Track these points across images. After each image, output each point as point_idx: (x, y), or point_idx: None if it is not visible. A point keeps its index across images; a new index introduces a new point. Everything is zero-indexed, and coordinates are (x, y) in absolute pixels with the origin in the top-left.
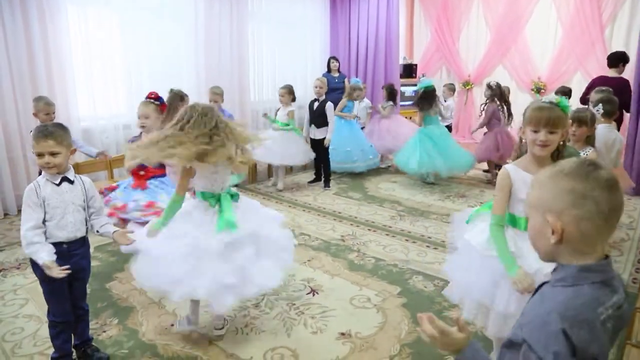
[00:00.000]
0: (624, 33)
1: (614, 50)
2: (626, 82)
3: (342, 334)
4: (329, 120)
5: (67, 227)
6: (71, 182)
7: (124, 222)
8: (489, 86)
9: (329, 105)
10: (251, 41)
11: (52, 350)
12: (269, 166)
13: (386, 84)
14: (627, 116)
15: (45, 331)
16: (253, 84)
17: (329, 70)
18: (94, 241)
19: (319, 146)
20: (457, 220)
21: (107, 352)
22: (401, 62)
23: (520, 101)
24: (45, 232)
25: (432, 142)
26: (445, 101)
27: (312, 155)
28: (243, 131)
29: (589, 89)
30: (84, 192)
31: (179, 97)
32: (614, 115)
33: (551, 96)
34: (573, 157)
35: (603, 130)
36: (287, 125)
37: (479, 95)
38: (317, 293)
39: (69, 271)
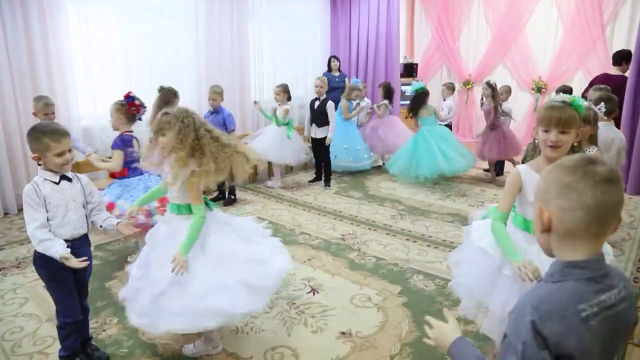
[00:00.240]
0: (625, 32)
1: (614, 49)
2: (627, 80)
3: (343, 333)
4: (330, 119)
5: (70, 225)
6: (69, 179)
7: None
8: (489, 85)
9: (330, 104)
10: (252, 40)
11: (51, 349)
12: (269, 165)
13: (382, 83)
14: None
15: (45, 330)
16: (253, 83)
17: (330, 69)
18: (93, 240)
19: (319, 145)
20: (471, 225)
21: (106, 351)
22: (402, 61)
23: (521, 101)
24: (49, 231)
25: (430, 143)
26: (444, 100)
27: (304, 155)
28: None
29: (591, 86)
30: (82, 189)
31: (172, 93)
32: (614, 114)
33: (564, 95)
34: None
35: (601, 129)
36: (287, 124)
37: (480, 94)
38: (318, 292)
39: (87, 262)
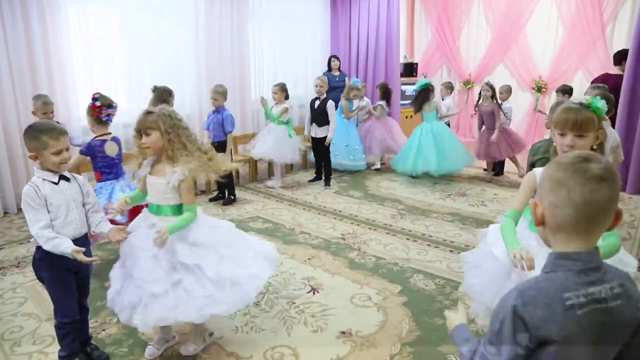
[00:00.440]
0: (625, 32)
1: (615, 48)
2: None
3: (343, 332)
4: (330, 118)
5: (72, 224)
6: (68, 179)
7: None
8: (490, 86)
9: (330, 103)
10: (252, 40)
11: (51, 348)
12: (269, 165)
13: (380, 83)
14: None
15: (44, 329)
16: (254, 83)
17: (330, 69)
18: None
19: (320, 145)
20: (488, 229)
21: (106, 351)
22: (402, 60)
23: (521, 100)
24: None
25: (430, 138)
26: (442, 100)
27: (299, 156)
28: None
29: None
30: (80, 188)
31: (167, 92)
32: (610, 113)
33: (582, 97)
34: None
35: None
36: (286, 123)
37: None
38: (318, 292)
39: (97, 259)
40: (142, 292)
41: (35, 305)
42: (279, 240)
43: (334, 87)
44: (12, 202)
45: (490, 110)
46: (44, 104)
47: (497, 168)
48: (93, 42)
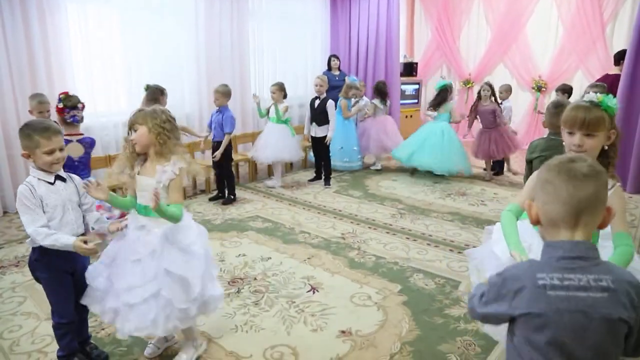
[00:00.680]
0: (625, 31)
1: (614, 48)
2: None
3: (343, 332)
4: (330, 118)
5: (69, 225)
6: (64, 180)
7: None
8: (490, 86)
9: (330, 103)
10: (252, 40)
11: (50, 347)
12: (269, 165)
13: (376, 82)
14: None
15: (43, 329)
16: (254, 83)
17: (330, 68)
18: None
19: (319, 144)
20: (494, 226)
21: (105, 350)
22: (402, 60)
23: (521, 100)
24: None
25: (438, 138)
26: None
27: (301, 154)
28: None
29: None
30: (76, 189)
31: (159, 91)
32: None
33: (592, 95)
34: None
35: None
36: (285, 122)
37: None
38: (317, 291)
39: (97, 250)
40: (119, 301)
41: (34, 305)
42: (279, 240)
43: (334, 86)
44: (11, 201)
45: (490, 109)
46: (39, 103)
47: (497, 167)
48: (93, 42)
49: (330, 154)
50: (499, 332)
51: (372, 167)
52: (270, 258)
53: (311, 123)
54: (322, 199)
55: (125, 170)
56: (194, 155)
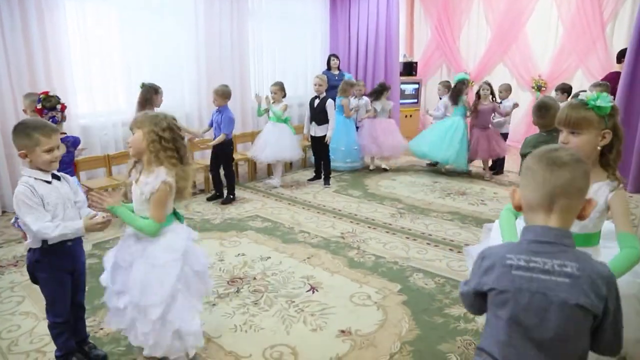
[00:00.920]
0: (625, 30)
1: (615, 47)
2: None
3: (342, 331)
4: (330, 117)
5: (71, 222)
6: (59, 178)
7: None
8: (488, 84)
9: (330, 102)
10: (251, 39)
11: (48, 347)
12: (269, 164)
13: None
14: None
15: (42, 328)
16: (253, 82)
17: (329, 67)
18: (92, 239)
19: (319, 144)
20: (494, 224)
21: (104, 350)
22: (401, 59)
23: (521, 100)
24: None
25: (460, 132)
26: (440, 99)
27: (301, 152)
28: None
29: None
30: (70, 187)
31: (153, 89)
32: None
33: (586, 93)
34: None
35: None
36: (284, 121)
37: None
38: (317, 290)
39: (109, 216)
40: (111, 303)
41: (33, 304)
42: (278, 239)
43: (334, 85)
44: (10, 200)
45: (490, 108)
46: (32, 103)
47: (496, 167)
48: (91, 41)
49: (332, 154)
50: None
51: (371, 168)
52: (270, 258)
53: (311, 122)
54: (322, 198)
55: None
56: (193, 156)
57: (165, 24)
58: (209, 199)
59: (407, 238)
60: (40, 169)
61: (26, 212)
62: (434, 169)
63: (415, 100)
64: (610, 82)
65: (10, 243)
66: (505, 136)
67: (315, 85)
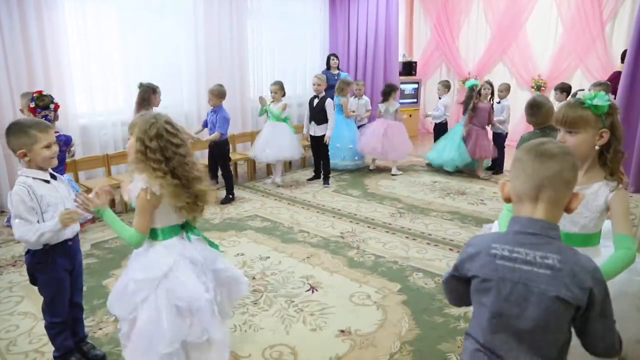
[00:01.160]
0: (625, 30)
1: (614, 47)
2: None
3: (342, 331)
4: (329, 117)
5: None
6: (55, 177)
7: None
8: (490, 84)
9: (329, 102)
10: (251, 39)
11: (47, 347)
12: (268, 164)
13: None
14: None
15: (40, 329)
16: (253, 82)
17: (329, 67)
18: (91, 238)
19: (318, 143)
20: (493, 224)
21: (103, 350)
22: (401, 59)
23: (520, 99)
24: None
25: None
26: (440, 98)
27: (302, 151)
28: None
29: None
30: (65, 186)
31: (151, 89)
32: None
33: (583, 92)
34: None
35: None
36: (284, 120)
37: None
38: (317, 290)
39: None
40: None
41: (31, 304)
42: (278, 239)
43: (333, 85)
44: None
45: (488, 108)
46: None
47: (496, 166)
48: (91, 40)
49: (332, 153)
50: None
51: (392, 174)
52: (269, 257)
53: (310, 122)
54: (321, 198)
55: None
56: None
57: (165, 24)
58: None
59: (407, 238)
60: (39, 168)
61: (18, 214)
62: (434, 169)
63: (415, 100)
64: (612, 82)
65: (8, 243)
66: (503, 136)
67: (314, 85)
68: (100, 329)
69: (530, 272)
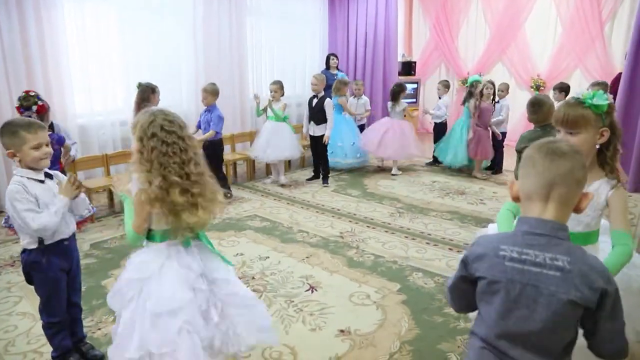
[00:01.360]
0: (624, 30)
1: (613, 47)
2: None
3: (342, 331)
4: (328, 116)
5: (67, 220)
6: (51, 177)
7: None
8: (492, 84)
9: (328, 101)
10: (250, 38)
11: (45, 348)
12: (267, 164)
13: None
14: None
15: (39, 329)
16: (252, 81)
17: (328, 67)
18: (90, 238)
19: (318, 143)
20: (490, 226)
21: (102, 350)
22: (400, 59)
23: (520, 99)
24: (53, 233)
25: (465, 132)
26: (440, 98)
27: (301, 150)
28: None
29: (614, 83)
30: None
31: (150, 89)
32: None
33: (581, 91)
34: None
35: None
36: (284, 119)
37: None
38: (316, 290)
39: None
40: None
41: (30, 305)
42: (277, 239)
43: (332, 85)
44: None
45: (490, 108)
46: None
47: (496, 166)
48: (90, 40)
49: (331, 151)
50: None
51: (392, 173)
52: (269, 257)
53: (309, 122)
54: (321, 198)
55: None
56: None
57: (164, 24)
58: None
59: (406, 237)
60: (31, 168)
61: (22, 209)
62: (433, 169)
63: (414, 100)
64: (617, 83)
65: (6, 243)
66: (503, 135)
67: (312, 84)
68: (99, 329)
69: (539, 274)
